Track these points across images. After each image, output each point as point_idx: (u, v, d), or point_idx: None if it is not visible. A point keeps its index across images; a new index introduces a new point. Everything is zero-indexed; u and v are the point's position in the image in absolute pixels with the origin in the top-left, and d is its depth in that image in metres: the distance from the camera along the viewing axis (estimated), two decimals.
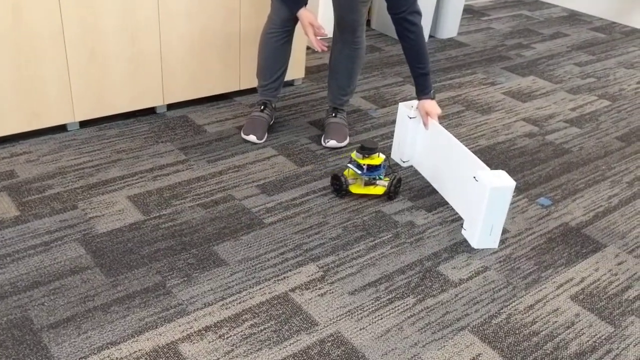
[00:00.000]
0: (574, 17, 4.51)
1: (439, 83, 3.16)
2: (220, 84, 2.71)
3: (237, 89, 2.78)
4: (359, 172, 2.11)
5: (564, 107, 3.01)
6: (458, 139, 2.61)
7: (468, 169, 1.99)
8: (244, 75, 2.76)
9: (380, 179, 2.15)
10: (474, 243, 1.94)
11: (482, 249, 1.94)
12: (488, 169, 1.92)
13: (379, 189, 2.14)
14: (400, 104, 2.33)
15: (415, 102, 2.30)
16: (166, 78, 2.54)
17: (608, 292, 1.82)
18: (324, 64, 3.26)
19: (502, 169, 2.40)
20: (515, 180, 2.34)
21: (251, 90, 2.88)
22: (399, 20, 2.10)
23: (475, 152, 2.51)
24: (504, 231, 2.04)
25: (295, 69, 2.93)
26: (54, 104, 2.31)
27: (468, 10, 4.48)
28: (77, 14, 2.22)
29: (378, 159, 2.11)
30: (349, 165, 2.14)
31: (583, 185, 2.35)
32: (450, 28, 3.84)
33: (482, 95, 3.06)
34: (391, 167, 2.32)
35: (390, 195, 2.14)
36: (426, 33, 3.72)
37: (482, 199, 1.86)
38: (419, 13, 2.11)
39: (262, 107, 2.53)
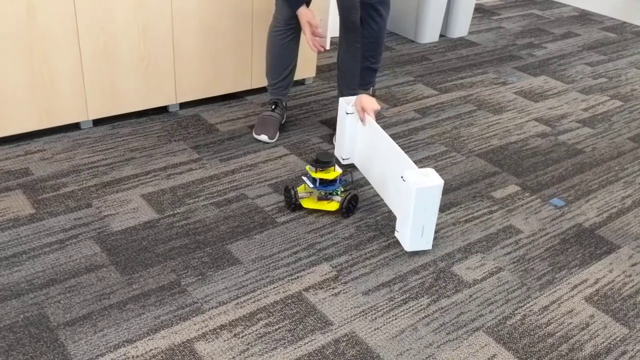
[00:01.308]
0: (584, 17, 4.49)
1: (450, 82, 3.15)
2: (231, 83, 2.72)
3: (248, 87, 2.78)
4: (312, 185, 2.00)
5: (576, 107, 3.00)
6: (470, 138, 2.61)
7: (398, 168, 1.92)
8: (256, 74, 2.76)
9: (336, 194, 2.04)
10: (406, 245, 1.86)
11: None
12: (416, 167, 1.85)
13: (333, 204, 2.02)
14: (340, 99, 2.23)
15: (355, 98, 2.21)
16: (179, 77, 2.55)
17: (622, 293, 1.81)
18: (335, 63, 3.26)
19: (515, 169, 2.40)
20: (528, 181, 2.34)
21: (262, 90, 2.88)
22: (366, 7, 2.08)
23: (487, 152, 2.51)
24: (517, 232, 2.04)
25: (306, 68, 2.93)
26: (67, 103, 2.32)
27: (479, 10, 4.47)
28: (91, 12, 2.23)
29: (333, 173, 2.00)
30: (303, 177, 2.04)
31: (596, 186, 2.34)
32: (461, 27, 3.83)
33: (493, 95, 3.05)
34: (352, 182, 2.17)
35: (343, 212, 2.01)
36: (437, 32, 3.71)
37: (409, 200, 1.79)
38: (388, 5, 2.10)
39: (273, 107, 2.53)
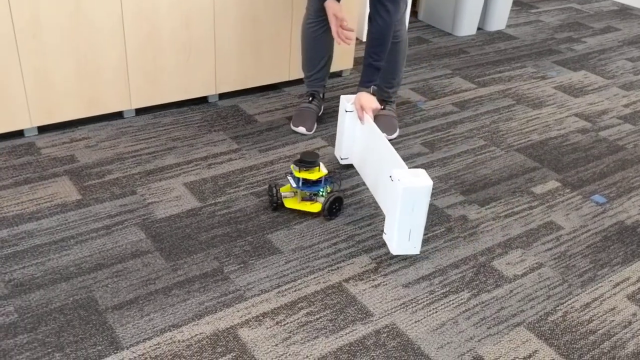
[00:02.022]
0: (624, 11, 4.40)
1: (488, 76, 3.13)
2: (270, 74, 2.74)
3: (286, 79, 2.80)
4: (294, 185, 1.95)
5: (617, 103, 2.95)
6: (509, 133, 2.59)
7: (388, 167, 1.83)
8: (294, 65, 2.78)
9: (321, 195, 1.97)
10: (393, 248, 1.77)
11: None
12: (406, 167, 1.76)
13: (316, 206, 1.95)
14: (342, 96, 2.15)
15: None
16: (219, 68, 2.58)
17: None
18: None
19: (556, 165, 2.38)
20: (569, 177, 2.31)
21: (300, 81, 2.90)
22: (374, 1, 2.05)
23: (527, 147, 2.49)
24: (558, 228, 2.02)
25: (344, 60, 2.93)
26: (111, 92, 2.36)
27: (517, 3, 4.41)
28: (137, 2, 2.27)
29: (317, 173, 1.94)
30: (288, 176, 1.99)
31: (638, 183, 2.30)
32: (498, 20, 3.79)
33: (532, 90, 3.02)
34: (340, 185, 2.06)
35: (325, 215, 1.94)
36: (474, 25, 3.68)
37: (396, 200, 1.70)
38: (397, 2, 2.05)
39: (310, 98, 2.54)
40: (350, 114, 2.13)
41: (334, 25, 2.19)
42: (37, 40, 2.13)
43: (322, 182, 1.97)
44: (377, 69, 2.12)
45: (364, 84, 2.13)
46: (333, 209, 1.95)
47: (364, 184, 2.18)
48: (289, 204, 1.97)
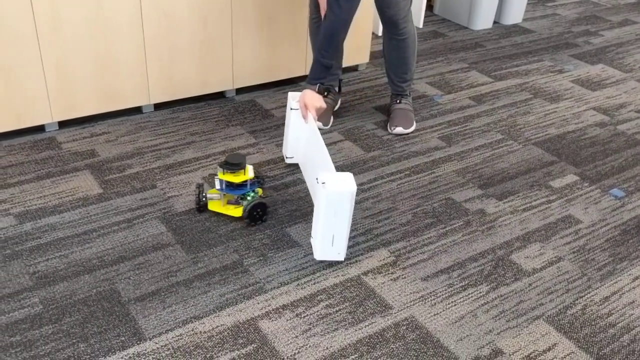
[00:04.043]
0: None
1: (504, 70, 3.11)
2: (286, 68, 2.75)
3: (302, 73, 2.81)
4: (218, 187, 1.90)
5: (635, 96, 2.93)
6: (527, 127, 2.58)
7: (319, 169, 1.79)
8: (310, 60, 2.79)
9: (247, 199, 1.91)
10: (317, 254, 1.73)
11: None
12: (333, 170, 1.72)
13: (238, 210, 1.90)
14: (289, 93, 2.10)
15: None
16: (236, 63, 2.59)
17: None
18: None
19: (574, 159, 2.37)
20: (587, 171, 2.30)
21: None
22: None
23: (544, 141, 2.48)
24: (577, 222, 2.02)
25: (360, 54, 2.94)
26: (130, 87, 2.39)
27: None
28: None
29: (242, 176, 1.88)
30: (215, 178, 1.92)
31: None
32: (515, 14, 3.76)
33: (550, 83, 3.00)
34: (264, 192, 2.02)
35: (246, 220, 1.88)
36: (491, 19, 3.66)
37: (320, 204, 1.65)
38: (350, 1, 2.00)
39: (326, 93, 2.55)
40: (295, 112, 2.06)
41: (323, 12, 2.18)
42: (57, 35, 2.16)
43: (248, 185, 1.90)
44: (326, 66, 2.04)
45: (310, 81, 2.07)
46: (255, 214, 1.88)
47: (381, 177, 2.19)
48: (213, 206, 1.91)
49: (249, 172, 1.90)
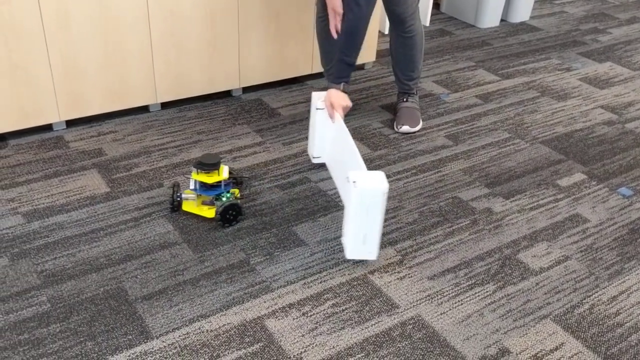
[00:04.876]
0: None
1: (512, 68, 3.10)
2: (293, 67, 2.75)
3: (309, 72, 2.81)
4: (191, 187, 1.88)
5: None
6: (534, 125, 2.57)
7: (349, 168, 1.77)
8: (316, 59, 2.78)
9: (222, 200, 1.89)
10: (348, 252, 1.73)
11: None
12: (364, 168, 1.70)
13: (211, 211, 1.88)
14: (313, 93, 2.09)
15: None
16: (242, 62, 2.59)
17: None
18: None
19: (581, 157, 2.36)
20: (595, 169, 2.29)
21: (322, 74, 2.90)
22: None
23: (552, 140, 2.47)
24: (585, 221, 2.01)
25: (367, 53, 2.93)
26: (137, 86, 2.39)
27: None
28: None
29: (216, 177, 1.85)
30: (189, 178, 1.88)
31: None
32: (522, 12, 3.75)
33: (557, 81, 2.99)
34: (242, 193, 2.01)
35: (219, 221, 1.86)
36: (498, 17, 3.64)
37: (351, 203, 1.65)
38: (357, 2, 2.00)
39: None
40: (320, 111, 2.05)
41: (332, 19, 2.17)
42: (64, 34, 2.17)
43: (222, 186, 1.88)
44: (349, 64, 2.04)
45: (334, 81, 2.06)
46: (228, 216, 1.85)
47: (388, 177, 2.18)
48: (186, 207, 1.90)
49: (224, 173, 1.88)
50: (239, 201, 1.88)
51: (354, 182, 1.63)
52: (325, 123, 2.07)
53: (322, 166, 2.22)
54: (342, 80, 2.09)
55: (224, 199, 1.89)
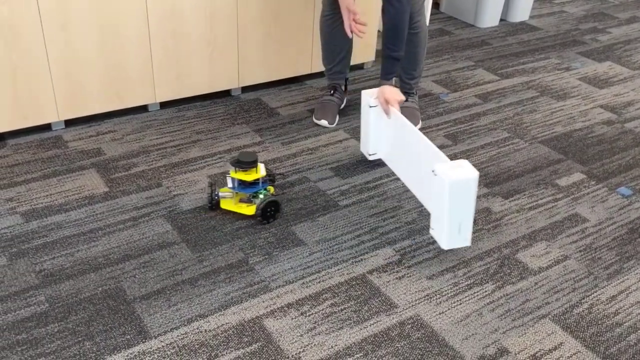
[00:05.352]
0: None
1: (511, 67, 3.10)
2: (292, 67, 2.75)
3: (308, 72, 2.80)
4: (230, 186, 1.90)
5: None
6: (533, 125, 2.57)
7: (428, 161, 1.80)
8: (316, 58, 2.78)
9: (259, 197, 1.91)
10: (443, 244, 1.75)
11: None
12: (448, 160, 1.73)
13: (251, 208, 1.89)
14: (363, 91, 2.12)
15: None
16: (242, 61, 2.59)
17: None
18: None
19: (580, 157, 2.35)
20: (594, 169, 2.29)
21: (322, 74, 2.90)
22: None
23: (551, 139, 2.47)
24: (584, 220, 2.01)
25: (366, 52, 2.93)
26: (136, 85, 2.39)
27: None
28: None
29: (254, 174, 1.87)
30: (227, 176, 1.92)
31: None
32: (522, 11, 3.75)
33: (556, 81, 2.99)
34: (282, 189, 2.03)
35: (258, 218, 1.87)
36: (497, 16, 3.64)
37: (443, 195, 1.67)
38: None
39: (332, 91, 2.55)
40: (374, 109, 2.09)
41: (346, 18, 2.18)
42: (64, 33, 2.16)
43: (260, 183, 1.90)
44: (397, 59, 2.09)
45: (385, 77, 2.11)
46: (267, 212, 1.88)
47: (387, 176, 2.18)
48: (225, 205, 1.92)
49: (261, 170, 1.90)
50: (277, 197, 1.90)
51: (444, 174, 1.65)
52: (380, 119, 2.10)
53: (321, 166, 2.22)
54: (392, 75, 2.11)
55: (260, 196, 1.91)
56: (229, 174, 1.91)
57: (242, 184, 1.89)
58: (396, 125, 2.01)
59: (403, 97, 2.07)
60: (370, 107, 2.09)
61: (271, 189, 1.96)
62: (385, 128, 2.09)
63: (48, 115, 2.27)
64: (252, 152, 1.90)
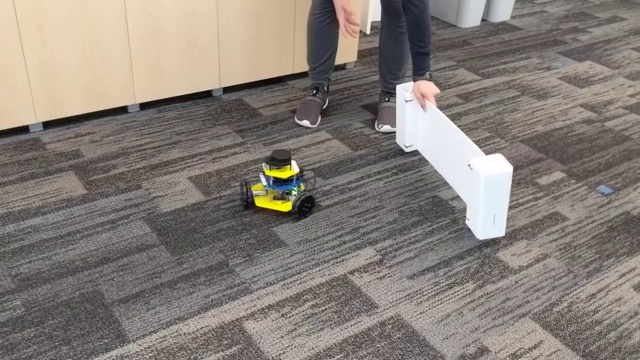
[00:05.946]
0: (630, 1, 4.37)
1: (492, 67, 3.11)
2: (274, 67, 2.74)
3: (290, 72, 2.79)
4: (265, 184, 1.93)
5: (622, 93, 2.94)
6: (514, 124, 2.58)
7: (464, 155, 1.88)
8: (298, 59, 2.78)
9: (293, 194, 1.95)
10: (478, 234, 1.84)
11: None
12: (483, 155, 1.82)
13: (287, 205, 1.93)
14: (398, 86, 2.21)
15: (412, 84, 2.16)
16: (223, 62, 2.58)
17: None
18: (376, 47, 3.25)
19: (561, 156, 2.37)
20: (574, 168, 2.30)
21: (304, 74, 2.89)
22: None
23: (531, 138, 2.48)
24: (564, 219, 2.02)
25: (348, 53, 2.93)
26: (116, 86, 2.37)
27: None
28: None
29: (288, 171, 1.91)
30: (260, 175, 1.97)
31: None
32: (503, 12, 3.77)
33: (537, 80, 3.01)
34: (314, 185, 2.06)
35: (295, 214, 1.91)
36: (479, 17, 3.66)
37: (478, 189, 1.77)
38: None
39: (315, 91, 2.54)
40: (410, 103, 2.17)
41: (342, 18, 2.18)
42: (41, 33, 2.14)
43: (294, 180, 1.94)
44: (427, 54, 2.14)
45: (418, 73, 2.15)
46: (304, 208, 1.92)
47: (368, 176, 2.18)
48: (260, 202, 1.94)
49: (294, 167, 1.94)
50: (312, 194, 1.96)
51: (480, 169, 1.75)
52: (416, 113, 2.18)
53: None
54: (425, 70, 2.14)
55: (293, 192, 1.94)
56: (262, 172, 1.95)
57: (277, 182, 1.93)
58: (433, 119, 2.10)
59: (438, 90, 2.14)
60: (406, 101, 2.17)
61: (301, 186, 2.00)
62: (421, 121, 2.19)
63: (25, 117, 2.24)
64: (285, 149, 1.95)
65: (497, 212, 1.81)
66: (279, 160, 1.90)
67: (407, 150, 2.30)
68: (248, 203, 1.95)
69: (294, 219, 1.93)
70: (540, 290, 1.72)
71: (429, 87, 2.10)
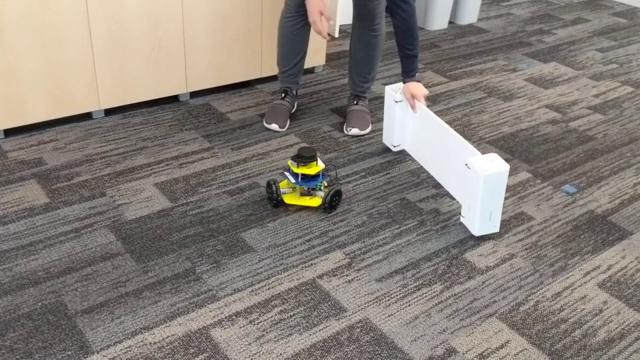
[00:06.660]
0: (594, 3, 4.45)
1: (459, 69, 3.14)
2: (242, 71, 2.72)
3: (258, 76, 2.78)
4: (293, 181, 1.97)
5: (587, 93, 2.99)
6: (481, 126, 2.61)
7: (459, 154, 1.94)
8: (266, 62, 2.76)
9: (319, 189, 2.01)
10: (475, 230, 1.89)
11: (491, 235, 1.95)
12: (479, 154, 1.87)
13: (315, 200, 1.99)
14: (386, 87, 2.25)
15: (401, 85, 2.22)
16: (189, 66, 2.55)
17: (635, 279, 1.81)
18: (344, 51, 3.26)
19: (526, 156, 2.40)
20: (539, 168, 2.33)
21: (273, 78, 2.88)
22: None
23: (498, 140, 2.51)
24: (530, 219, 2.04)
25: (316, 56, 2.92)
26: (79, 92, 2.33)
27: None
28: (102, 1, 2.23)
29: (315, 167, 1.97)
30: (285, 173, 2.01)
31: (608, 173, 2.33)
32: (470, 14, 3.81)
33: (503, 82, 3.04)
34: (337, 178, 2.09)
35: (326, 208, 1.98)
36: (446, 19, 3.69)
37: (476, 187, 1.82)
38: None
39: (283, 95, 2.53)
40: (399, 103, 2.21)
41: (318, 22, 2.15)
42: (0, 39, 2.09)
43: (320, 176, 2.00)
44: (415, 56, 2.18)
45: (408, 75, 2.20)
46: (333, 202, 1.99)
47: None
48: (289, 199, 1.99)
49: (320, 163, 1.98)
50: (341, 187, 2.02)
51: (478, 168, 1.79)
52: (405, 113, 2.23)
53: (272, 171, 2.20)
54: (414, 72, 2.19)
55: (320, 187, 2.00)
56: (288, 170, 2.00)
57: (305, 178, 1.97)
58: (423, 119, 2.14)
59: (427, 91, 2.17)
60: (396, 102, 2.21)
61: (324, 181, 2.03)
62: (410, 121, 2.23)
63: None
64: (311, 146, 2.00)
65: (494, 209, 1.87)
66: (306, 157, 1.94)
67: (394, 149, 2.35)
68: (278, 202, 1.98)
69: (261, 225, 1.92)
70: (507, 290, 1.74)
71: (418, 89, 2.15)
